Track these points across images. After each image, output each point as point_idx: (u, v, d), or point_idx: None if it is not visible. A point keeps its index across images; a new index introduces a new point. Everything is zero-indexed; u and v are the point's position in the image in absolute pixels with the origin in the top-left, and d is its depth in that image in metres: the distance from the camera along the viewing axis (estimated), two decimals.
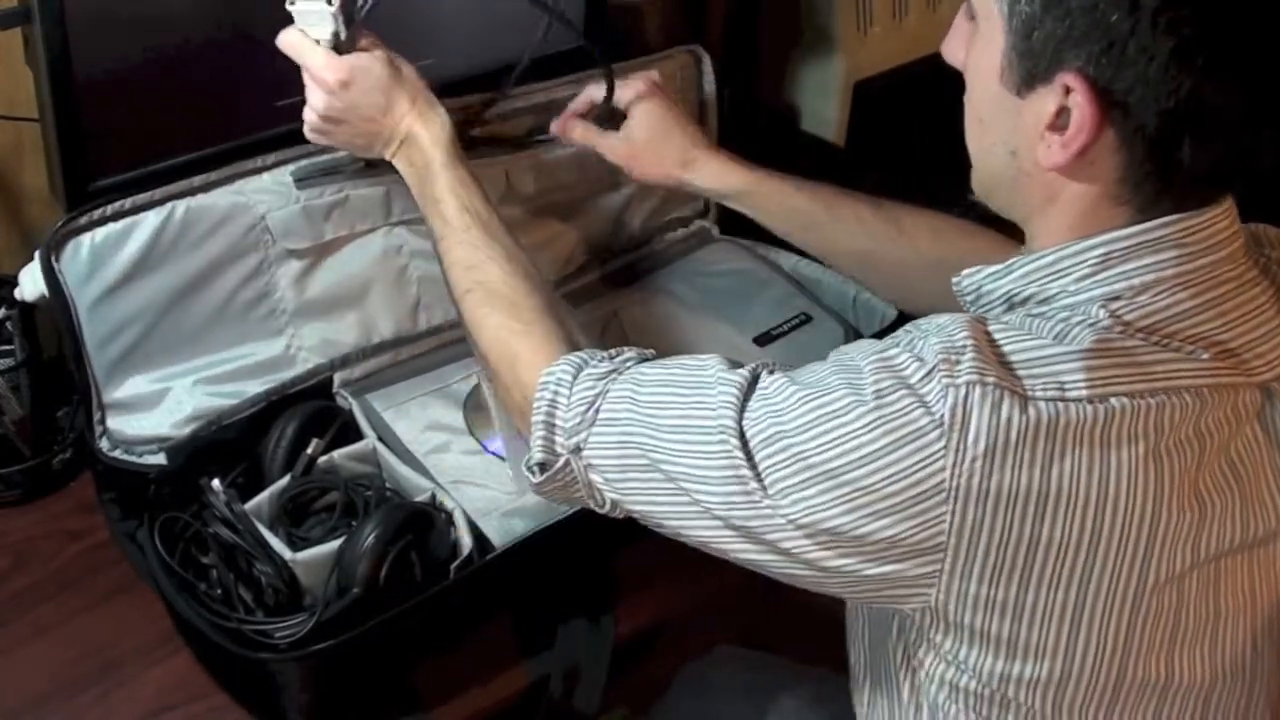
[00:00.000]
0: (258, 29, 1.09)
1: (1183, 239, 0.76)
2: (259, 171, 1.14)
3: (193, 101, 1.09)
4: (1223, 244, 0.77)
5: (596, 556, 1.14)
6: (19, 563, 1.12)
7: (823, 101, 1.55)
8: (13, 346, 1.15)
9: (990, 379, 0.72)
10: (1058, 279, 0.78)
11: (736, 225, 1.44)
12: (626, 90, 1.18)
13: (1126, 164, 0.75)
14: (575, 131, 1.20)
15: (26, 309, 1.14)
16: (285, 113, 1.13)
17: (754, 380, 0.81)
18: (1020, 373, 0.73)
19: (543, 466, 0.89)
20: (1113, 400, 0.72)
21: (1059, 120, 0.75)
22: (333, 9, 0.99)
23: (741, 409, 0.79)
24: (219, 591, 1.03)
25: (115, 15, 1.01)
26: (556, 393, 0.88)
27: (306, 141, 1.11)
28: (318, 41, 1.02)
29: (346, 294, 1.20)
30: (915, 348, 0.75)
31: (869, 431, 0.73)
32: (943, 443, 0.72)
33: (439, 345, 1.25)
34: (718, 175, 1.16)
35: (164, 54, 1.05)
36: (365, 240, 1.20)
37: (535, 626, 1.10)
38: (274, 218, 1.14)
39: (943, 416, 0.72)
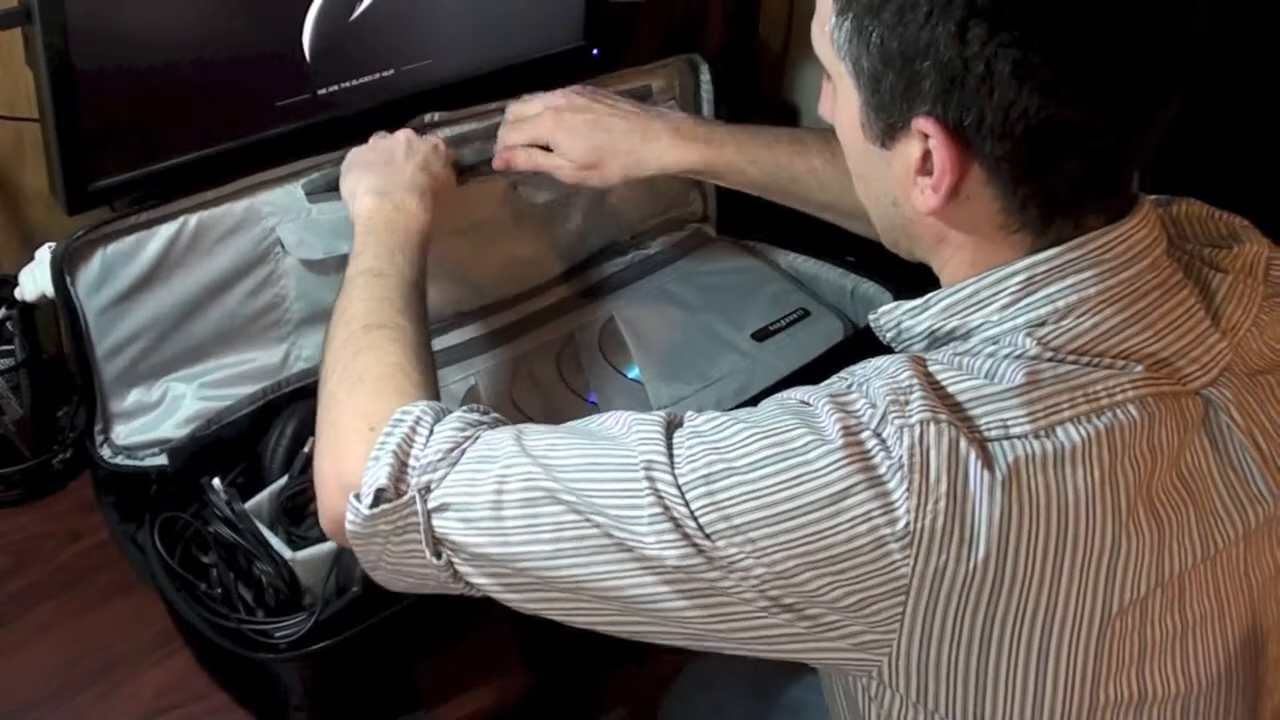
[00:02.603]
0: (259, 29, 1.09)
1: (1101, 255, 0.75)
2: (271, 184, 1.13)
3: (193, 102, 1.09)
4: (1143, 254, 0.76)
5: None
6: (19, 563, 1.12)
7: None
8: (13, 346, 1.15)
9: (943, 417, 0.71)
10: (979, 309, 0.77)
11: (734, 224, 1.44)
12: (535, 128, 1.15)
13: (1001, 193, 0.74)
14: (519, 159, 1.17)
15: (26, 309, 1.14)
16: (286, 113, 1.13)
17: (670, 422, 0.78)
18: (967, 412, 0.72)
19: (379, 496, 0.80)
20: (1058, 431, 0.71)
21: (925, 165, 0.74)
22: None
23: (669, 446, 0.75)
24: (219, 591, 1.03)
25: (115, 15, 1.00)
26: (415, 429, 0.81)
27: (307, 143, 1.11)
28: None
29: None
30: (863, 390, 0.74)
31: (833, 471, 0.71)
32: (905, 486, 0.70)
33: (437, 348, 1.25)
34: (667, 164, 1.14)
35: (164, 54, 1.05)
36: None
37: (535, 626, 1.10)
38: (285, 230, 1.14)
39: (901, 458, 0.70)
